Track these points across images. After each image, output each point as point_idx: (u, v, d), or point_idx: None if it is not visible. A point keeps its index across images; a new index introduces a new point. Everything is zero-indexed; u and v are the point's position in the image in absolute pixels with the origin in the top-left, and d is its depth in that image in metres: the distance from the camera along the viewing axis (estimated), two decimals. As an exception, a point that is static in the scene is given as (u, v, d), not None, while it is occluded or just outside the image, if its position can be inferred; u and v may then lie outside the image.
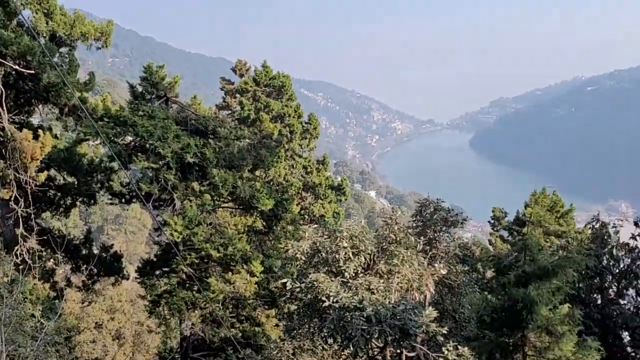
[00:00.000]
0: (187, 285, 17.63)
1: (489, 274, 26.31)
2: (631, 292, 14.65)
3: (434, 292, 13.27)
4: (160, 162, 15.97)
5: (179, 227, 15.08)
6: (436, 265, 13.70)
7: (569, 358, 9.58)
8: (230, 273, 17.67)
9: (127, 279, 20.53)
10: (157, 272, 18.32)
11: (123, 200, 18.34)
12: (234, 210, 20.86)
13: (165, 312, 17.18)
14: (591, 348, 9.55)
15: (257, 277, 18.34)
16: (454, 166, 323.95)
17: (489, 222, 32.18)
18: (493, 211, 30.98)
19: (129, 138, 16.66)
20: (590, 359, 9.59)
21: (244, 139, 19.11)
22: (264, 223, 20.12)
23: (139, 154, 15.68)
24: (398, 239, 12.65)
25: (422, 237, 14.60)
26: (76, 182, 17.63)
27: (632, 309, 14.32)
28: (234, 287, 17.58)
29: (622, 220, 15.78)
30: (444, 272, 13.55)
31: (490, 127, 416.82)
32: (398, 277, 12.32)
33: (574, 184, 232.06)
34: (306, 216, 31.77)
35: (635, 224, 14.73)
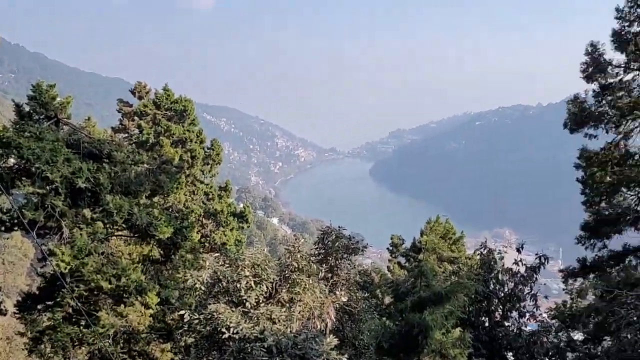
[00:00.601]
0: (73, 320, 16.32)
1: (388, 299, 27.12)
2: (514, 314, 15.76)
3: (334, 319, 13.35)
4: (47, 187, 14.83)
5: (66, 257, 14.01)
6: (337, 292, 13.83)
7: (461, 380, 10.05)
8: (122, 305, 16.65)
9: (5, 314, 18.64)
10: (40, 307, 16.81)
11: (3, 228, 16.73)
12: (129, 238, 19.81)
13: (48, 349, 15.77)
14: (480, 369, 10.09)
15: (153, 309, 17.44)
16: (355, 194, 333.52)
17: (387, 249, 33.31)
18: (391, 238, 32.13)
19: (12, 161, 15.35)
20: (479, 380, 10.11)
21: (142, 164, 18.32)
22: (161, 252, 19.26)
23: (23, 178, 14.46)
24: (300, 266, 12.66)
25: (324, 265, 14.72)
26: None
27: (515, 330, 15.39)
28: (126, 320, 16.56)
29: (506, 247, 17.02)
30: (344, 299, 13.71)
31: (389, 157, 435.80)
32: (300, 306, 12.28)
33: (465, 212, 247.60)
34: (207, 244, 30.91)
35: (518, 250, 15.98)
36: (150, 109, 31.47)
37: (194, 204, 31.88)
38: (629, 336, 12.44)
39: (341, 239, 16.80)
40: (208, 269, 12.70)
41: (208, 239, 31.47)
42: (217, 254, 13.76)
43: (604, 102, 15.89)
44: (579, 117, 16.13)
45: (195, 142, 32.30)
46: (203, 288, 12.58)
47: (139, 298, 16.66)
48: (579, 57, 16.77)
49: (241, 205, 38.16)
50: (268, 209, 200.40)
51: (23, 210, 15.27)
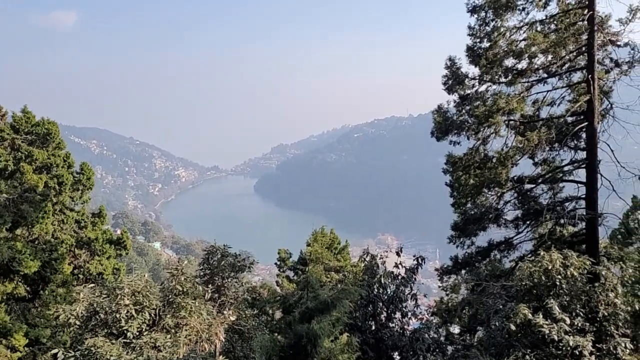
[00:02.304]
0: None
1: (278, 314, 27.12)
2: (398, 315, 16.56)
3: (224, 340, 13.06)
4: None
5: None
6: (225, 312, 13.58)
7: (351, 384, 10.31)
8: (-16, 352, 14.92)
9: None
10: None
11: None
12: (-12, 277, 17.83)
13: None
14: (368, 371, 10.44)
15: (21, 351, 15.84)
16: (240, 211, 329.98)
17: (275, 263, 33.28)
18: (279, 253, 32.20)
19: None
20: (369, 382, 10.45)
21: (1, 194, 16.65)
22: (27, 288, 17.60)
23: None
24: (185, 289, 12.25)
25: (210, 285, 14.41)
26: None
27: (399, 330, 16.17)
28: (-11, 368, 14.86)
29: (387, 252, 17.87)
30: (233, 318, 13.50)
31: (273, 172, 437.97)
32: (186, 330, 11.86)
33: (349, 222, 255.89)
34: (81, 276, 28.62)
35: (397, 253, 16.87)
36: (8, 134, 28.61)
37: (64, 233, 29.41)
38: (497, 323, 13.63)
39: (227, 258, 16.58)
40: (83, 301, 11.83)
41: (82, 269, 29.16)
42: (92, 285, 12.87)
43: (463, 111, 17.42)
44: (443, 125, 17.51)
45: (62, 167, 29.90)
46: (78, 322, 11.69)
47: (4, 341, 15.04)
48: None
49: (118, 232, 35.98)
50: (149, 233, 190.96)
51: None
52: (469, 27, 17.68)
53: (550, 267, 13.40)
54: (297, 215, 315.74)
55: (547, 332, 12.34)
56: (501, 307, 14.19)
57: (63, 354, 10.80)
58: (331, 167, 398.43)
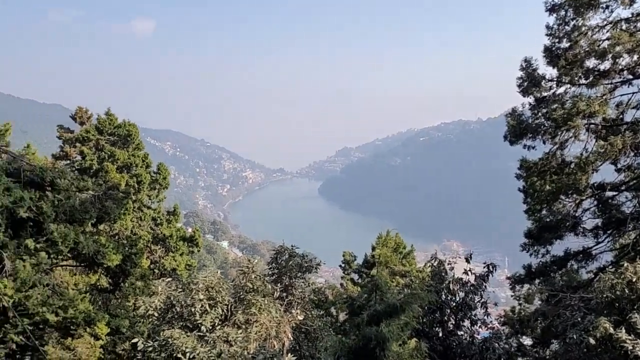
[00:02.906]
0: (18, 356, 15.47)
1: (342, 316, 27.20)
2: (467, 322, 16.16)
3: (292, 339, 13.29)
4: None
5: (9, 291, 13.31)
6: (293, 311, 13.80)
7: (419, 389, 10.21)
8: (70, 338, 15.94)
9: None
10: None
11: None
12: (74, 268, 19.05)
13: (-10, 391, 14.85)
14: (437, 378, 10.30)
15: (103, 340, 16.78)
16: (305, 213, 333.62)
17: (340, 266, 33.44)
18: (343, 255, 32.33)
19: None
20: (437, 388, 10.31)
21: (87, 191, 17.75)
22: (110, 280, 18.64)
23: (-42, 209, 13.69)
24: (255, 287, 12.58)
25: (278, 284, 14.68)
26: None
27: (468, 338, 15.77)
28: (74, 353, 15.86)
29: (455, 258, 17.50)
30: (300, 317, 13.69)
31: (337, 175, 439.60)
32: (256, 327, 12.16)
33: (413, 226, 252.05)
34: (156, 270, 30.09)
35: (466, 260, 16.49)
36: (93, 135, 30.58)
37: (142, 229, 31.04)
38: (574, 336, 13.00)
39: (294, 258, 16.82)
40: (161, 294, 12.42)
41: (157, 265, 30.64)
42: (169, 279, 13.48)
43: (539, 114, 16.79)
44: (518, 129, 16.96)
45: (141, 167, 31.58)
46: (156, 314, 12.28)
47: (88, 329, 16.00)
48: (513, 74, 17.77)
49: (190, 230, 37.42)
50: (217, 232, 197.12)
51: (-41, 243, 14.47)
52: (547, 27, 17.03)
53: (634, 280, 12.64)
54: (361, 219, 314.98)
55: (631, 347, 11.65)
56: (579, 319, 13.52)
57: (142, 343, 11.38)
58: (395, 170, 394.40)
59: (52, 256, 15.71)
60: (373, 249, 29.61)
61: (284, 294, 14.82)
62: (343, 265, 32.62)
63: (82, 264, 17.53)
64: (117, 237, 26.60)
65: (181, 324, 11.88)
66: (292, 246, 16.73)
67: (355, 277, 31.80)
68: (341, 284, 32.94)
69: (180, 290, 12.74)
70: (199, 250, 35.79)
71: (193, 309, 11.75)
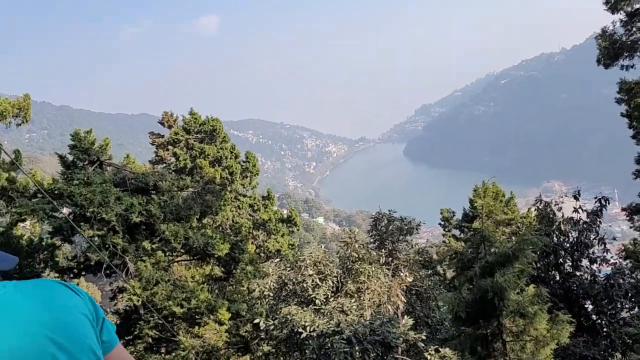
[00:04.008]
0: (154, 348, 16.90)
1: (449, 274, 26.88)
2: (585, 262, 15.34)
3: (404, 301, 13.38)
4: (105, 228, 15.38)
5: (138, 290, 14.50)
6: (401, 274, 13.85)
7: (545, 336, 9.90)
8: (197, 327, 17.12)
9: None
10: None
11: (71, 275, 17.45)
12: (189, 262, 20.35)
13: (137, 381, 16.38)
14: (563, 322, 9.92)
15: (226, 324, 17.86)
16: (393, 178, 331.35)
17: (439, 224, 32.94)
18: (441, 212, 31.78)
19: (66, 210, 15.98)
20: (565, 332, 9.94)
21: (187, 189, 18.79)
22: (222, 269, 19.71)
23: (81, 223, 15.03)
24: (361, 256, 12.74)
25: (382, 250, 14.77)
26: (17, 266, 16.67)
27: (589, 277, 14.98)
28: (203, 340, 17.03)
29: (562, 197, 16.59)
30: (410, 279, 13.71)
31: (420, 134, 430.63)
32: (368, 294, 12.36)
33: (507, 173, 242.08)
34: (262, 254, 31.36)
35: (575, 197, 15.57)
36: (182, 136, 32.13)
37: (242, 218, 32.40)
38: None
39: (393, 222, 16.82)
40: (272, 275, 12.94)
41: (262, 248, 31.92)
42: (277, 260, 14.00)
43: (634, 29, 15.29)
44: (611, 50, 15.57)
45: (231, 159, 32.80)
46: (271, 294, 12.83)
47: (211, 316, 17.10)
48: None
49: (285, 212, 38.48)
50: (311, 210, 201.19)
51: (87, 254, 15.90)
52: None
53: None
54: (452, 174, 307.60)
55: None
56: None
57: (264, 322, 11.95)
58: (480, 120, 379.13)
59: (167, 254, 16.89)
60: (471, 202, 28.81)
61: (390, 259, 14.89)
62: (442, 222, 32.11)
63: (195, 257, 18.67)
64: (220, 228, 27.97)
65: (296, 300, 12.35)
66: (389, 211, 16.74)
67: (457, 233, 31.21)
68: (444, 242, 32.49)
69: (289, 269, 13.21)
70: (298, 229, 36.81)
71: (305, 285, 12.14)
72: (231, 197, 31.43)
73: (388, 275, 13.84)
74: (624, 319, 15.17)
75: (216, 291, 19.90)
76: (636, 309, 15.34)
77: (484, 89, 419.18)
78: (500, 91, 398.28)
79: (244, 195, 33.45)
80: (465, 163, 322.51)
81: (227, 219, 30.57)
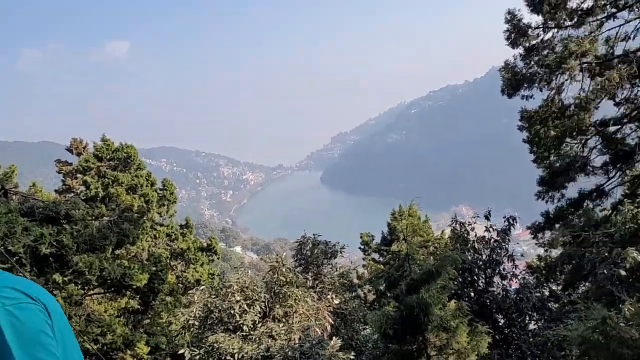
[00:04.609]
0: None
1: (370, 297, 27.42)
2: (496, 278, 16.33)
3: (332, 323, 13.50)
4: (10, 261, 14.26)
5: (48, 326, 13.47)
6: (328, 297, 14.01)
7: (466, 348, 10.38)
8: (114, 363, 16.19)
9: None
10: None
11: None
12: (103, 294, 19.27)
13: None
14: (482, 333, 10.47)
15: (145, 359, 17.03)
16: (311, 205, 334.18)
17: (359, 248, 33.63)
18: (361, 237, 32.49)
19: (-35, 242, 14.64)
20: (484, 343, 10.48)
21: (102, 217, 17.92)
22: (139, 301, 18.83)
23: (-17, 256, 13.81)
24: (288, 279, 12.76)
25: (308, 274, 14.89)
26: None
27: (501, 292, 15.95)
28: (121, 377, 16.10)
29: (474, 218, 17.64)
30: (337, 301, 13.89)
31: (337, 161, 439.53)
32: (296, 317, 12.36)
33: (420, 199, 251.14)
34: (181, 284, 30.32)
35: (486, 217, 16.61)
36: (93, 163, 30.65)
37: (158, 248, 31.23)
38: (605, 271, 13.20)
39: (318, 246, 17.07)
40: (198, 303, 12.59)
41: (180, 279, 30.87)
42: (202, 287, 13.66)
43: (532, 63, 16.81)
44: (513, 81, 16.98)
45: (147, 187, 31.68)
46: (197, 323, 12.46)
47: (129, 351, 16.24)
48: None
49: (205, 240, 37.59)
50: (228, 239, 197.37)
51: (-10, 289, 14.61)
52: (525, -24, 17.03)
53: (654, 206, 12.81)
54: (368, 200, 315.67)
55: (662, 272, 11.84)
56: (607, 254, 13.72)
57: (189, 352, 11.57)
58: (394, 147, 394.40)
59: (80, 287, 15.92)
60: (389, 225, 29.78)
61: (316, 282, 15.04)
62: (362, 246, 32.80)
63: (110, 289, 17.74)
64: (135, 260, 26.75)
65: (223, 327, 12.08)
66: (314, 235, 16.95)
67: (376, 256, 32.00)
68: (364, 265, 33.17)
69: (214, 296, 12.92)
70: (218, 258, 36.03)
71: (232, 311, 11.93)
72: (148, 227, 30.25)
73: (314, 298, 13.93)
74: (532, 330, 16.25)
75: (135, 323, 18.98)
76: (542, 321, 16.48)
77: (396, 118, 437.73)
78: (411, 120, 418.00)
79: (161, 225, 32.32)
80: (380, 189, 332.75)
81: (143, 249, 29.33)
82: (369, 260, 31.85)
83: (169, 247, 31.88)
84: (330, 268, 16.73)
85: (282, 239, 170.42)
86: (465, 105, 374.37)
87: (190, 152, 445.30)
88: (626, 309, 7.10)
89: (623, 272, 12.40)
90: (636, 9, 17.32)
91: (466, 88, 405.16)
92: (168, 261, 31.24)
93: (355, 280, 27.40)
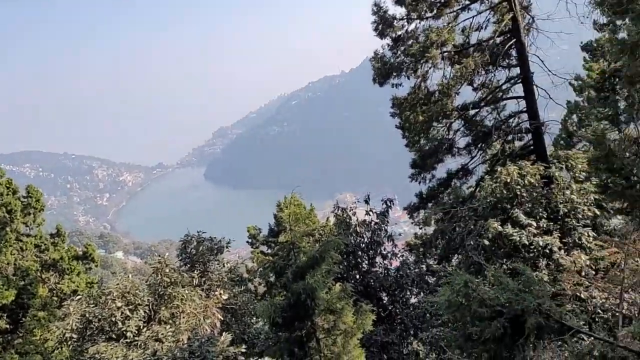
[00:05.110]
0: None
1: (261, 289, 27.48)
2: (379, 259, 17.22)
3: (221, 319, 13.34)
4: None
5: None
6: (216, 293, 13.81)
7: (352, 327, 10.84)
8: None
9: None
10: None
11: None
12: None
13: None
14: (366, 312, 10.98)
15: (18, 382, 15.62)
16: (196, 202, 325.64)
17: (247, 242, 33.46)
18: (248, 230, 32.36)
19: None
20: (368, 321, 11.00)
21: (-45, 232, 16.00)
22: (8, 319, 17.19)
23: None
24: (173, 280, 12.37)
25: (195, 272, 14.54)
26: None
27: (383, 272, 16.86)
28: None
29: (355, 204, 18.40)
30: (225, 297, 13.75)
31: (220, 156, 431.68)
32: (184, 317, 12.04)
33: (305, 189, 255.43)
34: (55, 297, 28.06)
35: (366, 201, 17.41)
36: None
37: (26, 260, 28.60)
38: (472, 242, 14.45)
39: (203, 243, 16.70)
40: (74, 314, 11.76)
41: (55, 291, 28.56)
42: (79, 297, 12.77)
43: (399, 52, 17.83)
44: (383, 70, 17.89)
45: (7, 195, 28.79)
46: (75, 336, 11.64)
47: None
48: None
49: (80, 248, 35.08)
50: (108, 245, 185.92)
51: None
52: (390, -31, 17.95)
53: (509, 180, 14.24)
54: (255, 194, 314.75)
55: (518, 239, 13.21)
56: (472, 227, 15.01)
57: (68, 368, 10.80)
58: (276, 139, 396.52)
59: None
60: (275, 217, 29.99)
61: (203, 280, 14.74)
62: (250, 240, 32.69)
63: (-29, 311, 15.98)
64: (1, 275, 24.27)
65: (104, 336, 11.42)
66: (198, 232, 16.56)
67: (265, 248, 32.09)
68: (251, 259, 33.09)
69: (93, 305, 12.15)
70: (97, 266, 33.83)
71: (113, 319, 11.32)
72: (12, 238, 27.53)
73: (202, 296, 13.66)
74: (413, 304, 17.38)
75: (4, 345, 17.29)
76: (422, 294, 17.67)
77: (277, 110, 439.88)
78: (292, 111, 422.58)
79: (28, 235, 29.58)
80: (266, 182, 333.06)
81: (8, 263, 26.67)
82: (257, 253, 31.84)
83: (38, 259, 29.28)
84: (217, 264, 16.47)
85: (167, 240, 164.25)
86: (342, 95, 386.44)
87: (57, 155, 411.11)
88: (489, 275, 7.85)
89: (487, 242, 13.64)
90: (486, 1, 19.02)
91: (342, 78, 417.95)
92: (38, 274, 28.70)
93: (245, 275, 27.27)
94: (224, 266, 17.38)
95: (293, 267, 10.15)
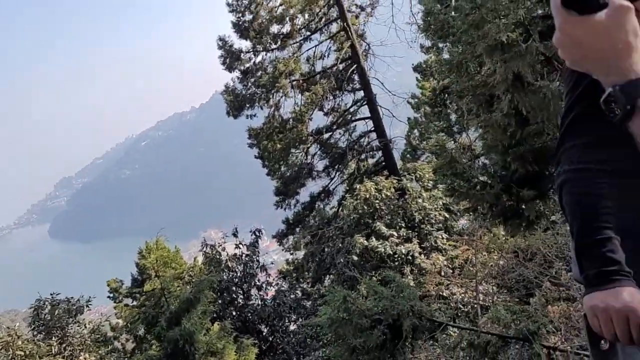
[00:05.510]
0: None
1: (130, 345, 25.47)
2: (254, 291, 16.98)
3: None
4: None
5: None
6: (81, 358, 12.52)
7: (237, 364, 10.52)
8: None
9: None
10: None
11: None
12: None
13: None
14: (248, 346, 10.75)
15: None
16: (42, 264, 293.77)
17: (107, 297, 30.87)
18: (108, 284, 29.83)
19: None
20: (251, 356, 10.77)
21: None
22: None
23: None
24: (28, 352, 10.95)
25: (52, 339, 13.05)
26: None
27: (259, 303, 16.64)
28: None
29: (223, 239, 18.02)
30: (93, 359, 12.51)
31: (65, 210, 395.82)
32: (45, 392, 10.70)
33: (167, 231, 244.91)
34: None
35: (234, 235, 17.14)
36: None
37: None
38: (342, 260, 14.95)
39: (59, 306, 15.10)
40: None
41: None
42: None
43: (249, 84, 18.12)
44: (236, 102, 18.01)
45: None
46: None
47: None
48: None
49: None
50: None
51: None
52: (228, 4, 18.23)
53: (368, 196, 15.07)
54: (111, 245, 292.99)
55: (383, 250, 13.99)
56: (341, 245, 15.55)
57: None
58: (129, 183, 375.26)
59: None
60: (137, 265, 28.16)
61: (63, 346, 13.26)
62: (111, 294, 30.20)
63: None
64: None
65: None
66: (52, 294, 14.94)
67: (129, 301, 29.89)
68: (116, 314, 30.61)
69: None
70: None
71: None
72: None
73: (63, 364, 12.30)
74: (293, 331, 17.39)
75: None
76: (300, 320, 17.76)
77: (126, 152, 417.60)
78: (142, 153, 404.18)
79: None
80: (122, 230, 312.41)
81: None
82: (122, 306, 29.55)
83: None
84: (78, 327, 14.96)
85: (11, 311, 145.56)
86: (195, 131, 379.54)
87: None
88: (362, 287, 8.17)
89: (355, 257, 14.22)
90: (325, 31, 20.17)
91: (193, 114, 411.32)
92: None
93: (110, 333, 25.12)
94: (85, 327, 15.84)
95: (167, 314, 9.60)
